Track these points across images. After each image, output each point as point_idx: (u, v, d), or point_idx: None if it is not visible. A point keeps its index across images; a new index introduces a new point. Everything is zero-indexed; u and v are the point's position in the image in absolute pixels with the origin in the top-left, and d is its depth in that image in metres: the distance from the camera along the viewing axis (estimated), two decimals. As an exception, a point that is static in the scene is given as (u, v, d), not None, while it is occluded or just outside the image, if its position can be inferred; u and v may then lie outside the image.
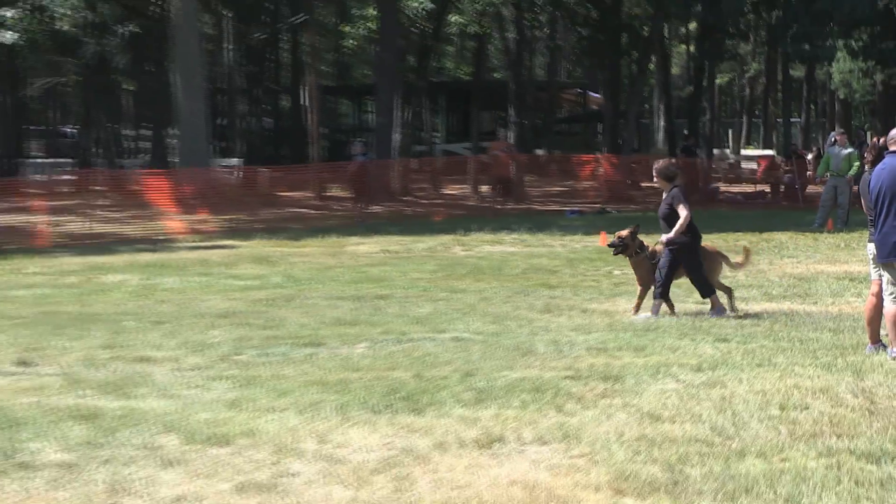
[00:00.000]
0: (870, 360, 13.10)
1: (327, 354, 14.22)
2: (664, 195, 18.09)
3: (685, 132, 61.67)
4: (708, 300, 17.82)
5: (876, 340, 13.73)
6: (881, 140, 14.40)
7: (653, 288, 17.85)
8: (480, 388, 11.60)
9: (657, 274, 17.80)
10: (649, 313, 17.54)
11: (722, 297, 17.95)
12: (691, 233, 17.77)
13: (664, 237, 17.60)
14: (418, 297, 20.58)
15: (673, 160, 19.72)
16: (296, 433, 9.92)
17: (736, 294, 20.23)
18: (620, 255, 18.68)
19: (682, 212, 17.52)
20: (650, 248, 18.41)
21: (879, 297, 13.60)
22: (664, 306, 17.77)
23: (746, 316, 17.53)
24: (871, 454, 9.02)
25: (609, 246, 19.31)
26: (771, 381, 11.75)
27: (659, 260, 17.92)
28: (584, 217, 40.57)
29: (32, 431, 10.00)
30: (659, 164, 19.02)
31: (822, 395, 11.10)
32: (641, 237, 18.46)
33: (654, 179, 18.79)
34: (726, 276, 19.02)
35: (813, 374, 12.17)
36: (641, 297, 18.11)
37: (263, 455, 9.33)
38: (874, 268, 13.81)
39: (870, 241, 13.79)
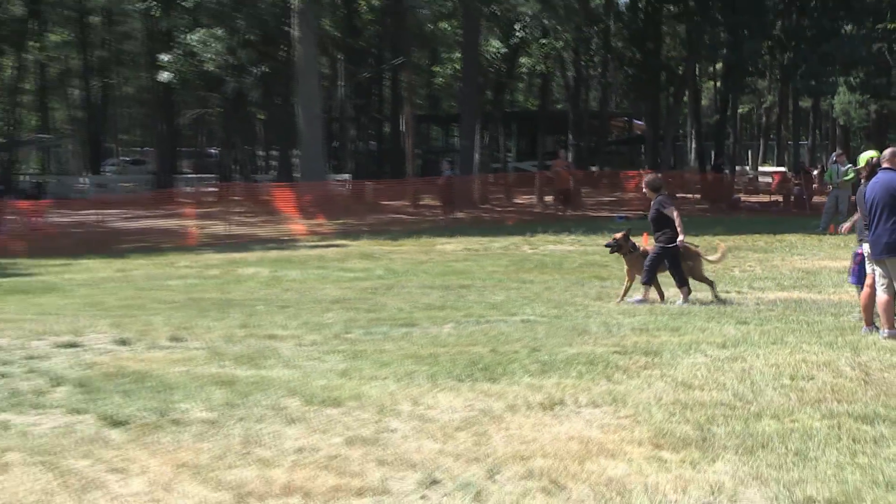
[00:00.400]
0: (865, 339, 12.99)
1: (420, 333, 14.21)
2: (652, 203, 18.19)
3: (713, 153, 61.37)
4: (683, 290, 17.83)
5: (870, 323, 13.66)
6: (874, 159, 14.30)
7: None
8: (544, 361, 11.56)
9: (671, 269, 17.90)
10: (640, 297, 17.85)
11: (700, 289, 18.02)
12: (674, 233, 17.81)
13: (681, 238, 17.66)
14: (494, 287, 20.53)
15: (659, 175, 19.80)
16: (394, 397, 9.91)
17: (754, 285, 20.11)
18: (616, 253, 18.80)
19: (674, 213, 17.74)
20: (641, 248, 18.52)
21: (872, 287, 13.57)
22: (653, 293, 17.98)
23: (761, 302, 17.38)
24: (866, 416, 8.92)
25: (606, 246, 19.38)
26: (783, 356, 11.65)
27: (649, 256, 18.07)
28: (629, 221, 40.33)
29: (182, 394, 10.04)
30: (647, 177, 19.35)
31: (825, 368, 11.00)
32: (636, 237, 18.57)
33: (643, 190, 18.92)
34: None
35: (818, 350, 12.06)
36: (628, 287, 18.29)
37: (368, 415, 9.32)
38: (868, 264, 13.75)
39: (863, 242, 13.70)
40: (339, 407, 9.59)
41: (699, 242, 30.18)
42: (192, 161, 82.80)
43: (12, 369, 11.53)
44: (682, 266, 17.91)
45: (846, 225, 15.78)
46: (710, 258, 18.77)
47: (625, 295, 18.15)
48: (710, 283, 18.19)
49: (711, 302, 17.45)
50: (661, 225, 17.90)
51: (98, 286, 22.43)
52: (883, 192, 13.15)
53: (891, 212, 12.98)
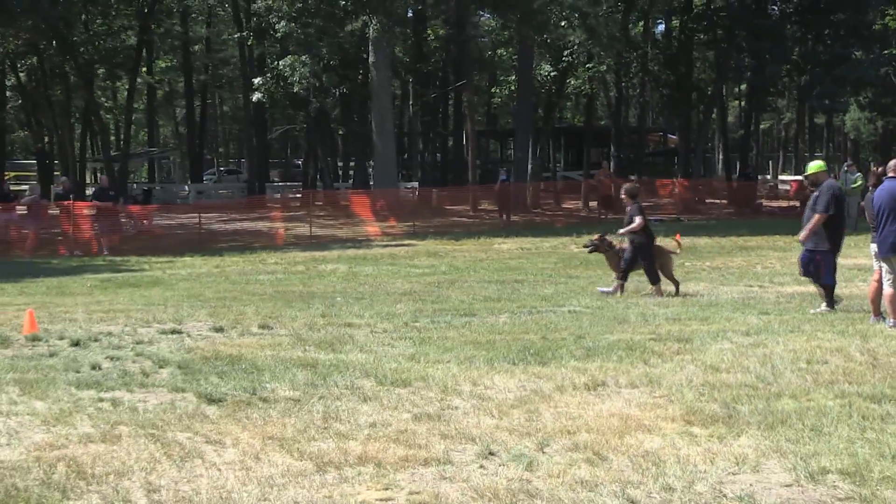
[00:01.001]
0: (873, 328, 12.88)
1: (479, 322, 14.21)
2: (627, 209, 18.28)
3: (738, 164, 61.00)
4: (654, 287, 18.08)
5: (877, 314, 13.59)
6: (880, 169, 14.31)
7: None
8: (588, 347, 11.52)
9: (645, 266, 18.12)
10: (611, 288, 18.16)
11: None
12: (646, 235, 17.99)
13: (621, 232, 18.24)
14: (544, 282, 20.51)
15: (636, 184, 19.97)
16: (456, 378, 9.91)
17: (774, 280, 19.99)
18: (595, 252, 19.15)
19: (637, 220, 17.81)
20: (617, 246, 18.62)
21: (879, 282, 13.56)
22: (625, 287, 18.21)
23: (780, 295, 17.26)
24: (874, 396, 8.83)
25: (584, 247, 19.70)
26: (800, 343, 11.56)
27: (624, 252, 18.27)
28: (664, 224, 40.19)
29: (270, 375, 10.08)
30: (626, 186, 19.72)
31: (837, 353, 10.90)
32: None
33: (622, 196, 18.99)
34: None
35: (831, 338, 11.96)
36: (620, 280, 18.43)
37: (433, 394, 9.32)
38: (875, 261, 13.70)
39: (872, 242, 13.67)
40: (408, 387, 9.59)
41: (725, 243, 30.03)
42: (280, 171, 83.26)
43: (123, 353, 11.63)
44: (655, 264, 18.07)
45: (804, 234, 15.67)
46: (678, 252, 18.96)
47: (618, 288, 18.31)
48: (676, 283, 18.39)
49: (673, 296, 17.71)
50: (633, 230, 17.98)
51: (197, 280, 22.61)
52: (889, 198, 13.18)
53: (895, 216, 12.97)
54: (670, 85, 56.83)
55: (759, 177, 67.11)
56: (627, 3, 55.16)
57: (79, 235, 33.12)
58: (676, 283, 18.34)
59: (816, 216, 14.93)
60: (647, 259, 17.99)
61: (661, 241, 19.37)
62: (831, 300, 15.11)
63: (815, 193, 15.30)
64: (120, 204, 36.27)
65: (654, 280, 18.02)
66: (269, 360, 10.90)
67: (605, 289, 18.22)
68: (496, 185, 44.17)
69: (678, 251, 19.29)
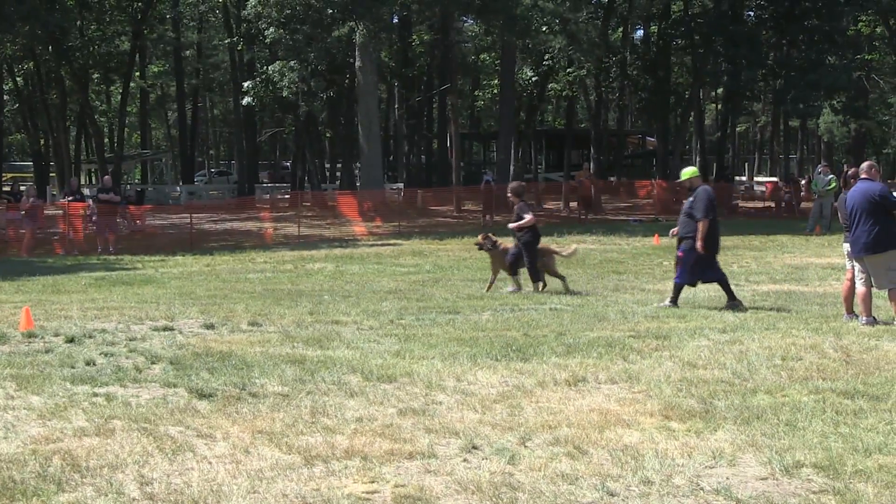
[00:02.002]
0: (846, 325, 12.92)
1: (462, 319, 14.20)
2: (514, 207, 18.32)
3: (714, 165, 61.16)
4: (535, 285, 18.21)
5: (850, 312, 13.62)
6: (852, 170, 14.38)
7: (525, 270, 18.33)
8: (569, 344, 11.53)
9: (527, 263, 18.13)
10: (513, 287, 18.31)
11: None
12: (533, 234, 18.05)
13: (511, 226, 18.20)
14: (527, 280, 20.51)
15: (523, 182, 20.10)
16: (440, 374, 9.90)
17: (750, 279, 20.03)
18: (482, 250, 19.17)
19: (528, 216, 17.89)
20: (501, 245, 18.62)
21: (852, 281, 13.57)
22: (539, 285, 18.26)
23: (756, 294, 17.29)
24: (847, 392, 8.86)
25: (476, 245, 19.63)
26: (775, 340, 11.59)
27: (509, 251, 18.34)
28: (643, 224, 40.28)
29: (259, 371, 10.06)
30: (512, 185, 19.85)
31: (812, 350, 10.93)
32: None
33: (508, 195, 19.10)
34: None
35: (805, 335, 11.99)
36: (493, 280, 18.63)
37: (418, 389, 9.31)
38: (848, 260, 13.77)
39: (845, 242, 13.72)
40: (393, 382, 9.59)
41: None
42: (269, 172, 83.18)
43: (117, 349, 11.60)
44: (538, 262, 18.18)
45: (674, 230, 15.94)
46: (563, 254, 19.01)
47: (490, 287, 18.47)
48: (562, 278, 18.45)
49: (562, 293, 17.73)
50: (523, 227, 18.07)
51: (189, 279, 22.56)
52: (861, 199, 13.20)
53: (867, 216, 13.04)
54: (649, 89, 56.98)
55: (736, 178, 67.38)
56: (607, 9, 55.30)
57: (82, 236, 33.04)
58: (562, 278, 18.43)
59: (700, 224, 15.16)
60: (529, 257, 18.08)
61: (559, 245, 19.67)
62: (676, 297, 15.53)
63: (691, 199, 15.56)
64: (121, 204, 36.24)
65: (536, 278, 18.19)
66: (258, 357, 10.88)
67: (510, 288, 18.39)
68: (481, 185, 44.17)
69: (565, 254, 19.34)
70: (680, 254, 15.53)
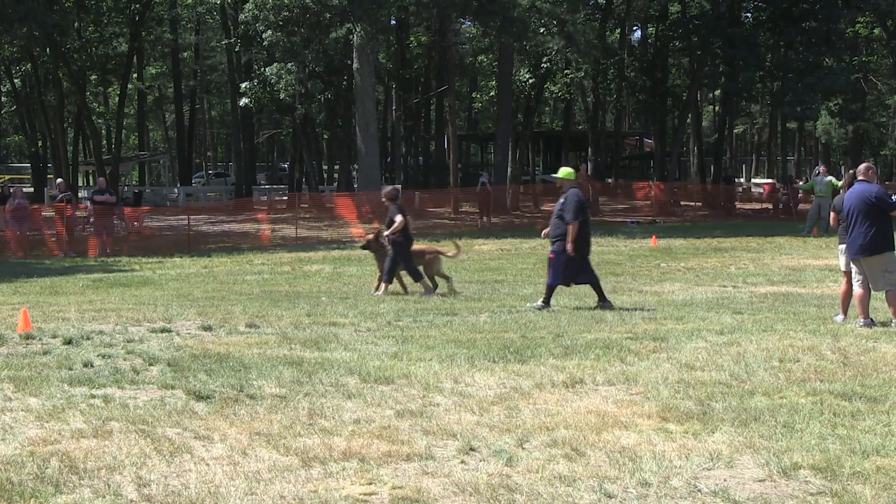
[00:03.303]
0: (843, 327, 12.91)
1: (460, 321, 14.21)
2: (389, 210, 18.45)
3: (712, 167, 61.15)
4: (420, 284, 18.35)
5: (844, 313, 13.64)
6: (852, 171, 14.45)
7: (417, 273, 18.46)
8: (567, 345, 11.53)
9: (395, 264, 18.23)
10: (422, 290, 18.23)
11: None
12: (405, 237, 18.13)
13: (386, 233, 18.21)
14: (524, 282, 20.52)
15: (397, 187, 20.23)
16: (438, 376, 9.90)
17: (748, 280, 20.04)
18: (366, 249, 19.40)
19: (398, 219, 17.96)
20: (386, 247, 18.65)
21: (849, 283, 13.56)
22: (387, 286, 18.37)
23: (754, 295, 17.29)
24: (845, 394, 8.86)
25: (361, 247, 20.20)
26: (773, 342, 11.59)
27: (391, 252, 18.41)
28: (640, 226, 40.30)
29: (257, 373, 10.06)
30: (385, 189, 19.99)
31: (809, 352, 10.94)
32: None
33: (383, 199, 19.19)
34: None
35: (803, 336, 12.00)
36: (381, 279, 18.60)
37: (415, 391, 9.32)
38: (844, 262, 13.77)
39: (840, 244, 13.72)
40: (391, 384, 9.59)
41: (700, 244, 30.11)
42: (266, 174, 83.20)
43: (114, 351, 11.60)
44: (423, 261, 18.39)
45: (545, 231, 16.20)
46: (448, 254, 19.13)
47: (379, 286, 18.56)
48: (447, 278, 18.62)
49: (444, 294, 17.90)
50: (396, 231, 18.17)
51: (186, 280, 22.56)
52: (858, 200, 13.21)
53: (864, 218, 13.05)
54: (646, 91, 56.98)
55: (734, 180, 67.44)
56: (604, 10, 55.31)
57: (106, 240, 33.09)
58: (447, 279, 18.60)
59: (570, 227, 15.44)
60: (403, 259, 18.20)
61: (442, 245, 19.80)
62: (549, 298, 15.74)
63: (562, 201, 15.84)
64: (118, 206, 36.24)
65: (416, 277, 18.34)
66: (256, 358, 10.88)
67: (422, 291, 18.38)
68: (477, 187, 44.18)
69: (451, 254, 19.47)
70: (551, 255, 15.84)
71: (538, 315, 14.72)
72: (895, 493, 6.36)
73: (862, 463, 6.89)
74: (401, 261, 18.12)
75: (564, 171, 16.29)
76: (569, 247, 15.35)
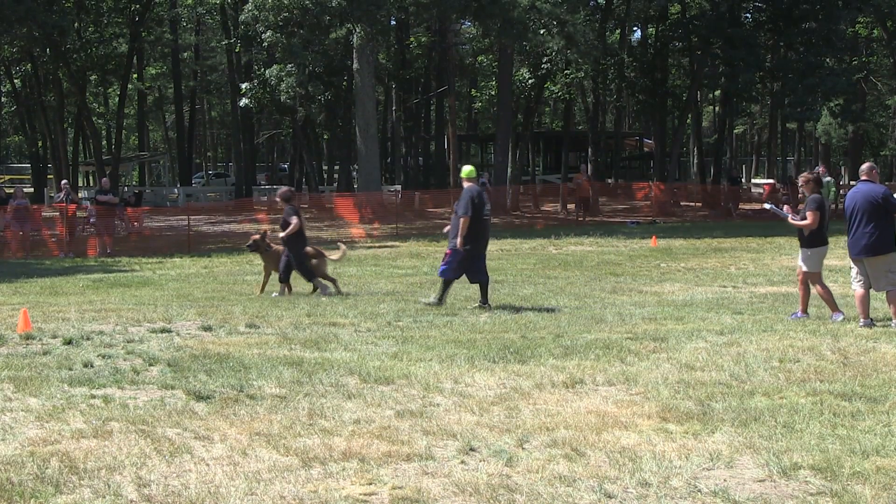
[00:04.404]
0: (844, 327, 12.92)
1: (460, 321, 14.21)
2: (284, 211, 18.63)
3: (711, 168, 61.16)
4: (312, 283, 18.54)
5: (835, 310, 13.73)
6: (821, 170, 14.48)
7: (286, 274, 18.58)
8: (567, 346, 11.53)
9: (295, 264, 18.39)
10: (277, 293, 18.41)
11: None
12: (299, 238, 18.33)
13: (281, 235, 18.38)
14: (524, 282, 20.51)
15: (292, 188, 20.41)
16: (438, 376, 9.90)
17: (748, 281, 20.04)
18: (254, 251, 19.60)
19: (294, 220, 18.14)
20: (273, 248, 18.95)
21: (806, 282, 14.00)
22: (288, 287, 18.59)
23: (754, 296, 17.28)
24: (845, 394, 8.87)
25: (246, 246, 20.21)
26: (773, 342, 11.59)
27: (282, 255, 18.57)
28: (640, 226, 40.30)
29: (257, 373, 10.06)
30: (280, 190, 20.16)
31: (809, 352, 10.94)
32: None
33: (277, 200, 19.34)
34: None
35: (803, 337, 12.00)
36: (265, 281, 19.05)
37: (415, 391, 9.32)
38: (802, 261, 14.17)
39: (821, 245, 13.94)
40: (391, 384, 9.59)
41: (700, 245, 30.12)
42: (266, 174, 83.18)
43: (114, 351, 11.60)
44: (308, 264, 18.42)
45: (447, 228, 16.63)
46: (332, 257, 19.33)
47: (263, 288, 18.86)
48: (333, 281, 18.77)
49: (334, 294, 18.01)
50: (291, 233, 18.30)
51: (186, 281, 22.55)
52: (864, 200, 13.20)
53: (869, 218, 13.05)
54: (646, 91, 56.96)
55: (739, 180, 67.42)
56: (604, 11, 55.29)
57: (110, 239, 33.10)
58: (333, 281, 18.73)
59: (461, 221, 15.69)
60: (295, 259, 18.31)
61: (329, 249, 20.02)
62: (443, 295, 16.07)
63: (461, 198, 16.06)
64: (119, 206, 36.24)
65: (309, 277, 18.45)
66: (256, 359, 10.88)
67: (277, 293, 18.53)
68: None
69: (335, 257, 19.59)
70: (448, 251, 16.09)
71: (538, 315, 14.72)
72: (895, 493, 6.37)
73: (862, 463, 6.89)
74: (294, 261, 18.24)
75: (466, 170, 16.61)
76: (458, 241, 15.63)
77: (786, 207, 14.83)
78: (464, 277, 16.21)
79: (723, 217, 46.21)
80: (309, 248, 18.74)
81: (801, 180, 14.74)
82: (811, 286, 14.07)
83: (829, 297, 13.94)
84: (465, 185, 16.12)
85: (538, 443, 7.53)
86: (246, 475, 6.78)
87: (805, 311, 14.04)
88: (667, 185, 51.91)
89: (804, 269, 14.06)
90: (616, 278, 21.12)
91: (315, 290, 18.37)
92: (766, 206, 15.17)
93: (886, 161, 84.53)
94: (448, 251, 16.08)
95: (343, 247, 20.37)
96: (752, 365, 10.24)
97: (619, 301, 16.66)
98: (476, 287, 16.30)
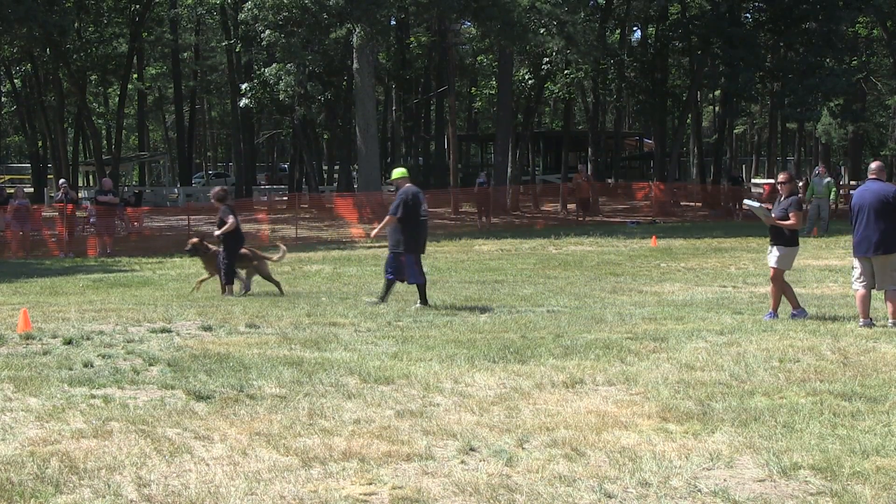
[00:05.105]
0: (844, 327, 12.91)
1: (460, 321, 14.21)
2: (220, 211, 18.56)
3: (712, 167, 61.15)
4: (224, 286, 18.51)
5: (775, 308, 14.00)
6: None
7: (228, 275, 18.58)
8: (567, 346, 11.54)
9: (221, 265, 18.41)
10: (226, 292, 18.38)
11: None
12: (234, 236, 18.27)
13: (217, 233, 18.41)
14: (523, 282, 20.52)
15: (225, 188, 20.47)
16: (438, 376, 9.90)
17: (748, 281, 20.04)
18: (194, 256, 19.63)
19: (230, 220, 18.10)
20: (212, 250, 18.93)
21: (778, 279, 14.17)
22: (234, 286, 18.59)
23: (754, 296, 17.29)
24: (845, 394, 8.87)
25: (185, 250, 20.49)
26: (773, 342, 11.59)
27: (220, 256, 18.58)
28: (640, 226, 40.29)
29: (257, 373, 10.07)
30: (214, 190, 20.14)
31: (809, 352, 10.94)
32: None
33: (212, 200, 19.44)
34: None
35: (803, 337, 12.00)
36: (205, 280, 19.23)
37: (415, 391, 9.32)
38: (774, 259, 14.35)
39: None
40: (391, 384, 9.59)
41: (700, 245, 30.12)
42: (266, 174, 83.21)
43: (114, 351, 11.60)
44: (249, 266, 18.66)
45: (375, 231, 16.92)
46: (273, 258, 19.37)
47: (199, 287, 19.06)
48: (276, 283, 18.95)
49: (278, 295, 18.22)
50: (227, 231, 18.35)
51: (186, 281, 22.55)
52: (873, 198, 13.15)
53: (878, 216, 13.01)
54: (646, 91, 56.98)
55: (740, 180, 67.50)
56: (604, 11, 55.27)
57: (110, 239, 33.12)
58: (276, 283, 18.93)
59: (388, 217, 16.13)
60: (227, 259, 18.36)
61: (267, 251, 20.21)
62: (424, 295, 16.19)
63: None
64: (120, 206, 36.28)
65: (228, 281, 18.46)
66: (256, 359, 10.88)
67: (231, 296, 18.52)
68: (475, 188, 44.14)
69: (275, 258, 19.81)
70: (402, 258, 16.27)
71: (538, 315, 14.73)
72: (895, 493, 6.37)
73: (862, 463, 6.89)
74: (223, 259, 18.30)
75: (398, 172, 16.94)
76: (372, 232, 16.06)
77: (765, 206, 14.81)
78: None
79: (723, 217, 46.19)
80: (246, 251, 18.81)
81: (781, 178, 14.81)
82: (773, 281, 14.21)
83: (779, 296, 14.19)
84: (402, 186, 16.37)
85: (538, 443, 7.53)
86: (246, 475, 6.78)
87: (778, 307, 14.11)
88: (667, 185, 51.90)
89: (777, 266, 14.17)
90: (616, 278, 21.12)
91: (224, 291, 18.44)
92: (747, 203, 15.18)
93: (886, 161, 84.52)
94: (402, 259, 16.22)
95: (283, 247, 20.59)
96: (752, 365, 10.24)
97: (619, 301, 16.67)
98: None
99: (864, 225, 13.14)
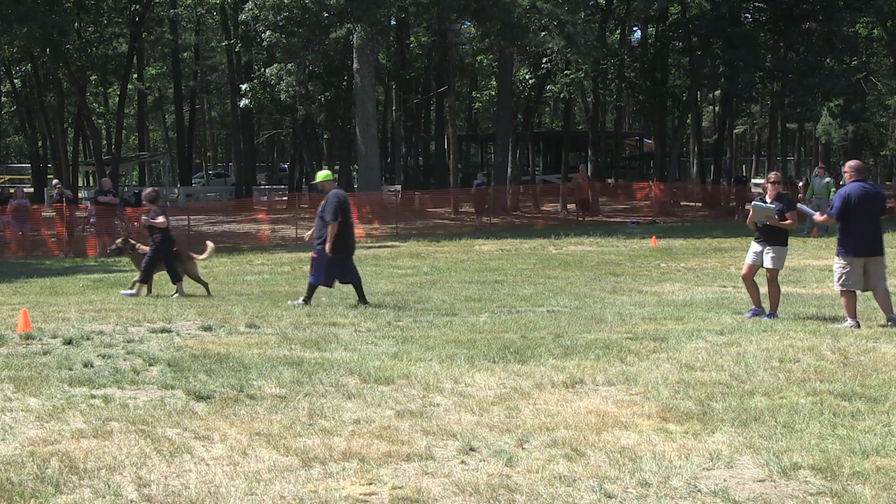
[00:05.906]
0: (843, 328, 12.89)
1: (460, 321, 14.21)
2: (150, 211, 18.68)
3: (712, 167, 61.14)
4: (178, 284, 18.73)
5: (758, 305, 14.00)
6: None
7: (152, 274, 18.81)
8: (567, 346, 11.53)
9: (153, 264, 18.58)
10: (132, 290, 18.49)
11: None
12: (164, 237, 18.47)
13: (144, 219, 18.74)
14: (523, 282, 20.52)
15: (157, 188, 20.63)
16: (438, 376, 9.90)
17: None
18: (120, 255, 20.12)
19: (160, 219, 18.31)
20: (138, 248, 19.17)
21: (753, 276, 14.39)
22: (144, 287, 18.62)
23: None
24: (845, 394, 8.86)
25: (109, 250, 20.76)
26: (773, 342, 11.58)
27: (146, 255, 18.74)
28: (640, 226, 40.30)
29: (257, 373, 10.06)
30: (145, 191, 20.50)
31: (809, 352, 10.93)
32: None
33: (143, 201, 19.63)
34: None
35: (803, 337, 11.99)
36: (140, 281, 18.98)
37: (415, 391, 9.31)
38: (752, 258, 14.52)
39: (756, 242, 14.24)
40: (391, 384, 9.59)
41: (700, 245, 30.11)
42: (266, 174, 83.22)
43: (114, 351, 11.60)
44: (178, 266, 18.67)
45: (309, 233, 17.01)
46: (200, 258, 19.46)
47: (147, 289, 18.89)
48: (204, 284, 19.07)
49: (204, 296, 18.29)
50: (154, 231, 18.52)
51: (186, 280, 22.51)
52: (868, 201, 13.15)
53: (871, 217, 13.13)
54: (646, 91, 56.99)
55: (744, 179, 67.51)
56: (604, 11, 55.27)
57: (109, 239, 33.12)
58: (204, 284, 19.03)
59: (329, 227, 15.99)
60: (165, 260, 18.54)
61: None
62: (310, 297, 16.39)
63: (323, 202, 16.31)
64: (120, 206, 36.28)
65: (175, 279, 18.65)
66: (256, 359, 10.88)
67: (127, 291, 18.71)
68: (472, 189, 44.15)
69: (202, 257, 19.87)
70: (314, 255, 16.39)
71: (538, 315, 14.72)
72: (895, 493, 6.36)
73: (862, 463, 6.89)
74: (161, 261, 18.46)
75: (323, 175, 17.10)
76: (327, 247, 15.93)
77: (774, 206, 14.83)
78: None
79: (723, 217, 46.19)
80: (175, 249, 18.90)
81: (771, 177, 14.88)
82: (770, 283, 14.19)
83: (777, 296, 14.29)
84: (331, 190, 16.47)
85: (538, 443, 7.52)
86: (246, 475, 6.78)
87: (777, 307, 14.22)
88: (667, 185, 51.91)
89: (774, 267, 14.18)
90: (616, 278, 21.12)
91: (176, 292, 18.56)
92: (755, 204, 15.18)
93: (886, 161, 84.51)
94: (314, 255, 16.37)
95: (211, 245, 20.60)
96: (752, 365, 10.23)
97: (619, 301, 16.66)
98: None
99: (859, 226, 13.12)
